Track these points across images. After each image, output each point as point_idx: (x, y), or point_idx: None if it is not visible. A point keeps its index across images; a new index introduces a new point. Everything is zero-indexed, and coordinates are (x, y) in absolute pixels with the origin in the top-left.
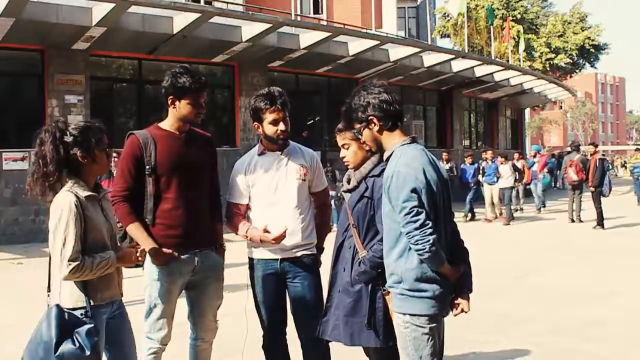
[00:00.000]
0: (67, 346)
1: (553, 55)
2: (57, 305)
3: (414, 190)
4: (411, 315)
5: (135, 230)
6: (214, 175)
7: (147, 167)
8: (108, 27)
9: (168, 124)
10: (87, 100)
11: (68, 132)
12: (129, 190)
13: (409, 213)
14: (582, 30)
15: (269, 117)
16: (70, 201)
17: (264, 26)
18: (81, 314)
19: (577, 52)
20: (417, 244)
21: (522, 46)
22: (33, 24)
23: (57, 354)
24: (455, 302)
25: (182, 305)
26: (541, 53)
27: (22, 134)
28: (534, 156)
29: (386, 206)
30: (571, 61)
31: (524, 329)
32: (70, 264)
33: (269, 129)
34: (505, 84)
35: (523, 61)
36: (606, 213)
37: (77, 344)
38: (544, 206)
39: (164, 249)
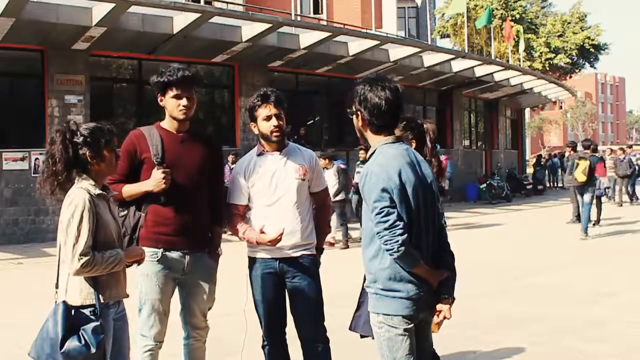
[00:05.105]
0: (72, 343)
1: (553, 55)
2: (64, 302)
3: (384, 190)
4: (385, 315)
5: (128, 187)
6: (217, 177)
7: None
8: (108, 27)
9: (166, 124)
10: (87, 100)
11: (79, 133)
12: (124, 177)
13: (379, 213)
14: (582, 30)
15: (262, 113)
16: (83, 197)
17: (264, 26)
18: (90, 312)
19: (577, 52)
20: (386, 244)
21: (522, 46)
22: (33, 24)
23: (62, 350)
24: (437, 308)
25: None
26: (541, 53)
27: (22, 134)
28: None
29: (364, 205)
30: (571, 61)
31: (524, 329)
32: (81, 258)
33: (263, 126)
34: (505, 84)
35: (523, 61)
36: (606, 213)
37: (83, 341)
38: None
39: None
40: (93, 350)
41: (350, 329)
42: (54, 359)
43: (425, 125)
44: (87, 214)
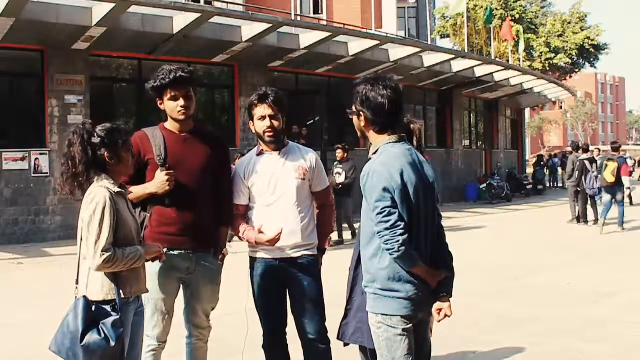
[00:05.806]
0: (92, 337)
1: (553, 55)
2: (85, 297)
3: (386, 190)
4: (383, 315)
5: (133, 189)
6: (224, 177)
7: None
8: (108, 27)
9: (169, 124)
10: (87, 101)
11: (95, 134)
12: (129, 179)
13: (380, 213)
14: (582, 30)
15: (257, 112)
16: (104, 195)
17: (264, 26)
18: (111, 307)
19: (577, 52)
20: (386, 244)
21: (521, 46)
22: (33, 24)
23: (82, 343)
24: (437, 307)
25: (182, 306)
26: (541, 53)
27: (22, 134)
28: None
29: (364, 204)
30: (571, 61)
31: (524, 329)
32: (103, 254)
33: (258, 125)
34: (505, 84)
35: (523, 61)
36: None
37: (103, 335)
38: None
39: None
40: (113, 343)
41: (338, 338)
42: (75, 353)
43: (411, 126)
44: (108, 211)
